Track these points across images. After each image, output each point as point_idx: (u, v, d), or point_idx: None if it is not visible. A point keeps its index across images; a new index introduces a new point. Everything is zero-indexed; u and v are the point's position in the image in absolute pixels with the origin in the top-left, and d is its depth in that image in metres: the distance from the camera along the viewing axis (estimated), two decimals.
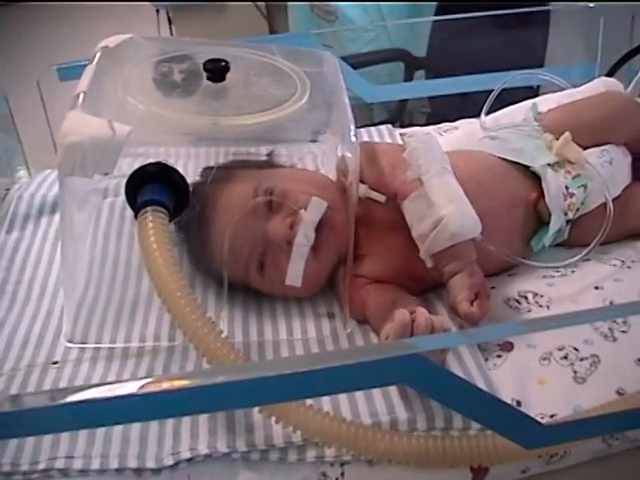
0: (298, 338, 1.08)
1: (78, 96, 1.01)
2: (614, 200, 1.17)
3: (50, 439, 0.91)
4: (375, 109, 2.46)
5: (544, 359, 1.00)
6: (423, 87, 1.73)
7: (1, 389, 0.99)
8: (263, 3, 3.39)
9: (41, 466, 0.89)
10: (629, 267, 1.15)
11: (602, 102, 1.32)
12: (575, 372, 0.99)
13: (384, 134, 1.53)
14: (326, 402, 0.93)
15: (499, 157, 1.23)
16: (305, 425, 0.87)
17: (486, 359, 1.02)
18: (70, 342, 1.07)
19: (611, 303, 1.08)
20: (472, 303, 1.04)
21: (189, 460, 0.90)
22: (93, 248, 1.22)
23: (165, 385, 0.68)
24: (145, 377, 0.83)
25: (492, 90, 1.48)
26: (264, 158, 1.20)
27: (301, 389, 0.73)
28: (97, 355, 1.05)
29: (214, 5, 3.24)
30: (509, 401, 0.94)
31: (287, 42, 1.58)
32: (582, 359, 1.00)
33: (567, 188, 1.18)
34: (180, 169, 1.01)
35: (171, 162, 1.01)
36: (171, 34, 3.29)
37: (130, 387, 0.68)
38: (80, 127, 0.94)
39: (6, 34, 4.18)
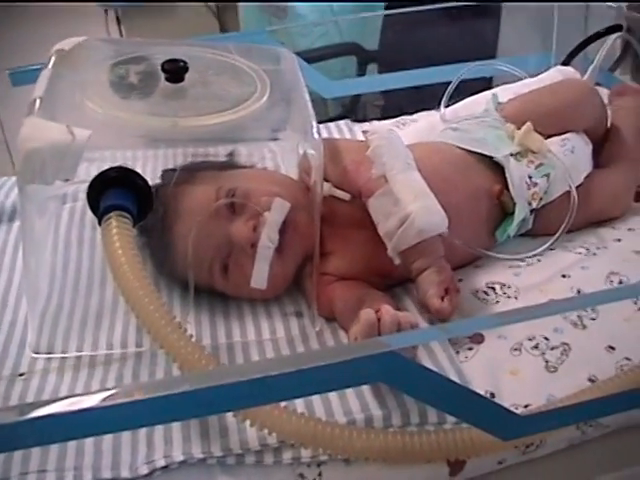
0: (267, 338, 1.07)
1: (35, 101, 0.98)
2: (576, 188, 1.18)
3: (21, 453, 0.89)
4: (329, 104, 2.46)
5: (515, 350, 1.01)
6: (380, 81, 1.72)
7: None
8: (213, 2, 3.35)
9: None
10: (594, 254, 1.16)
11: (562, 89, 1.33)
12: (547, 361, 0.99)
13: (343, 130, 1.52)
14: (299, 403, 0.92)
15: (461, 148, 1.23)
16: (280, 427, 0.86)
17: (457, 352, 1.01)
18: (36, 352, 1.05)
19: (579, 291, 1.08)
20: (442, 299, 1.04)
21: (164, 468, 0.89)
22: (54, 255, 1.20)
23: (137, 395, 0.67)
24: (113, 387, 0.82)
25: (448, 82, 1.48)
26: (224, 158, 1.19)
27: (276, 392, 0.72)
28: (64, 365, 1.03)
29: (164, 5, 3.20)
30: (482, 393, 0.94)
31: (241, 40, 1.57)
32: (553, 348, 1.00)
33: (530, 177, 1.19)
34: (139, 172, 1.00)
35: (131, 165, 1.00)
36: (120, 35, 3.25)
37: (94, 399, 0.66)
38: (39, 133, 0.92)
39: None
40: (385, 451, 0.87)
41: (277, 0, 2.61)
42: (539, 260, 1.16)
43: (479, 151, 1.21)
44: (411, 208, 1.04)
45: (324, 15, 2.68)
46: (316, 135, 1.00)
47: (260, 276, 1.06)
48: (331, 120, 1.63)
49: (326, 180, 1.10)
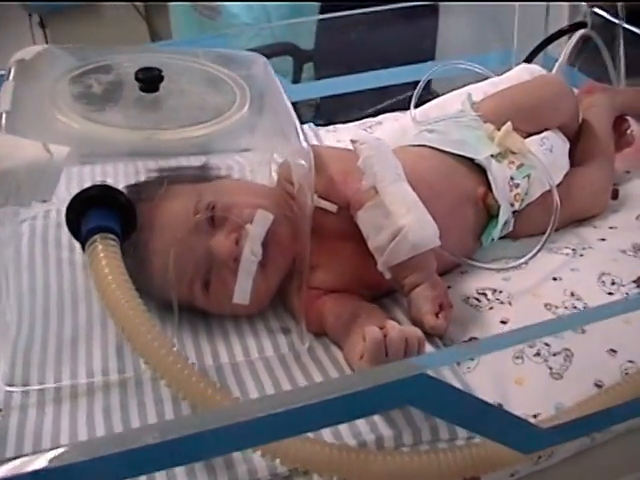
0: (256, 357, 1.02)
1: (1, 116, 0.91)
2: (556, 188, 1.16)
3: None
4: None
5: (517, 357, 0.98)
6: (335, 84, 1.68)
7: None
8: (141, 3, 3.25)
9: None
10: (581, 255, 1.15)
11: (538, 86, 1.32)
12: (550, 368, 0.97)
13: (309, 135, 1.47)
14: None
15: (442, 150, 1.20)
16: (294, 455, 0.81)
17: (458, 363, 0.98)
18: (10, 386, 0.97)
19: (572, 294, 1.07)
20: (437, 315, 1.01)
21: None
22: (19, 280, 1.12)
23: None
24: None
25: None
26: (199, 170, 1.13)
27: (305, 424, 0.68)
28: (43, 398, 0.96)
29: (89, 7, 3.07)
30: None
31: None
32: (555, 354, 0.98)
33: (512, 179, 1.17)
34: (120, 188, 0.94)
35: (110, 182, 0.94)
36: (45, 40, 3.12)
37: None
38: (12, 151, 0.86)
39: None
40: (401, 474, 0.84)
41: None
42: (526, 263, 1.13)
43: (460, 153, 1.18)
44: (403, 222, 1.00)
45: (258, 14, 2.64)
46: (304, 143, 0.95)
47: (243, 291, 1.01)
48: None
49: None
